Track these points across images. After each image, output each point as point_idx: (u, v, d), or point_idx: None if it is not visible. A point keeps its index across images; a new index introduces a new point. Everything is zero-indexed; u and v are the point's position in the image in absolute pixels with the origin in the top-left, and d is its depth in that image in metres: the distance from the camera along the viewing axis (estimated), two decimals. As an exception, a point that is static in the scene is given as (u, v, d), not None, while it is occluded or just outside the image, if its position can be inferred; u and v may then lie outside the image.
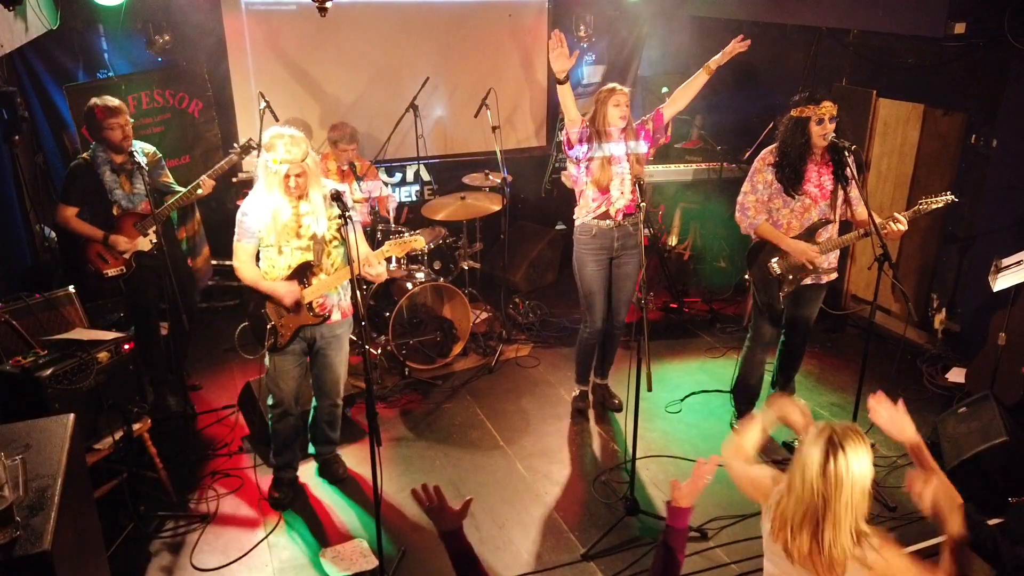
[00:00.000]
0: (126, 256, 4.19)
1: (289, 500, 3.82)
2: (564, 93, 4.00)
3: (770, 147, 3.97)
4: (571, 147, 4.10)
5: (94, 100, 4.02)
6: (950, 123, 5.10)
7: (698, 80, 4.07)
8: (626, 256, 4.25)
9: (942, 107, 5.11)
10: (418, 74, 5.80)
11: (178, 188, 4.33)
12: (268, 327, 3.51)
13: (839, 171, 3.88)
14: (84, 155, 4.12)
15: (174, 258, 4.27)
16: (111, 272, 4.18)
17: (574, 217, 4.30)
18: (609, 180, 4.05)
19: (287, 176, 3.27)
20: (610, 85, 4.07)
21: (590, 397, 4.70)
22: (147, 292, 4.28)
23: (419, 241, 3.64)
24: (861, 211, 3.95)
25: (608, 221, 4.13)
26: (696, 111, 6.70)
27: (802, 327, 4.24)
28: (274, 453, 3.83)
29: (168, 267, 3.99)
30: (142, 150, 4.21)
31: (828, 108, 3.74)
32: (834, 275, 4.11)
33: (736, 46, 3.99)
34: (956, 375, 4.79)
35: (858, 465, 1.93)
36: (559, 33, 3.86)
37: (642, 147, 4.12)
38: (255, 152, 4.47)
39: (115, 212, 4.13)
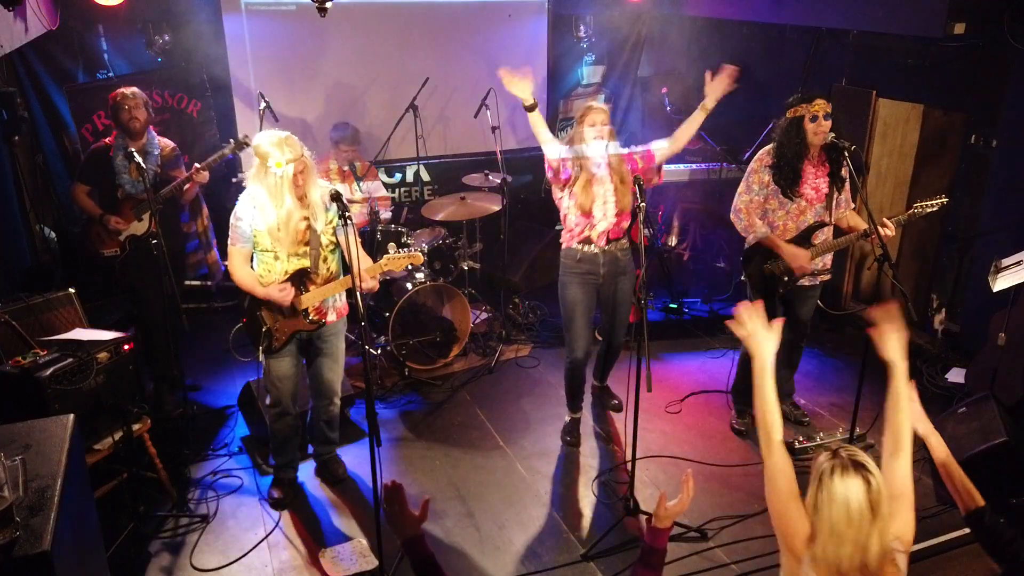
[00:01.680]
0: (120, 238, 4.30)
1: (289, 500, 3.82)
2: (534, 121, 3.89)
3: (766, 148, 3.99)
4: (555, 175, 3.91)
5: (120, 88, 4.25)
6: (950, 123, 5.10)
7: (696, 120, 3.90)
8: (613, 282, 4.07)
9: (942, 107, 5.11)
10: (418, 74, 5.81)
11: None
12: (263, 330, 3.51)
13: (835, 173, 3.90)
14: (107, 139, 4.29)
15: (173, 252, 4.29)
16: (107, 252, 4.34)
17: (561, 240, 4.14)
18: (592, 202, 3.88)
19: (295, 175, 3.27)
20: (587, 103, 3.96)
21: (580, 431, 4.45)
22: (144, 278, 4.31)
23: (417, 257, 3.62)
24: (848, 217, 4.00)
25: (592, 246, 3.97)
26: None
27: (798, 327, 4.25)
28: (273, 453, 3.83)
29: (168, 266, 3.99)
30: (160, 143, 4.35)
31: (821, 105, 3.76)
32: (828, 276, 4.15)
33: (726, 79, 3.85)
34: (956, 375, 4.79)
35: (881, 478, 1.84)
36: (505, 70, 3.78)
37: (614, 147, 3.91)
38: (249, 149, 4.48)
39: (119, 195, 4.28)
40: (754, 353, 2.22)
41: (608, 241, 3.98)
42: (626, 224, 3.97)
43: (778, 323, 2.25)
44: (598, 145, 3.82)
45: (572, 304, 4.08)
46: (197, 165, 4.28)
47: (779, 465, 2.08)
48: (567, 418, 4.49)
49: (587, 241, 3.97)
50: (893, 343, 2.21)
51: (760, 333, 2.23)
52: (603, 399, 4.74)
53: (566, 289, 4.09)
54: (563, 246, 4.12)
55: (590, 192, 3.87)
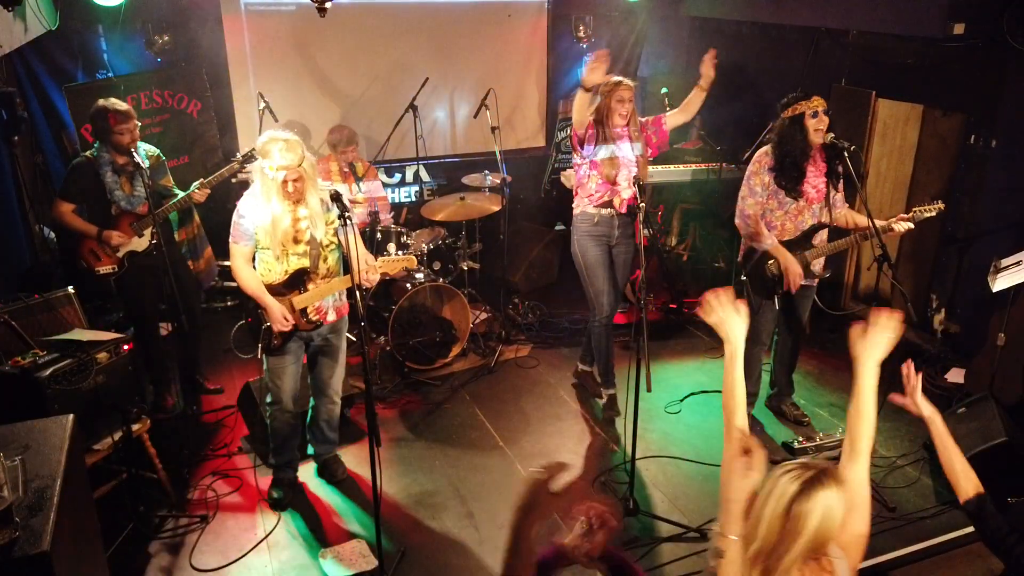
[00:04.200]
0: (119, 255, 4.19)
1: (288, 501, 3.82)
2: (583, 98, 4.01)
3: (763, 149, 3.98)
4: (581, 145, 4.17)
5: (103, 103, 4.00)
6: (949, 123, 5.10)
7: (696, 98, 4.21)
8: (622, 244, 4.34)
9: (941, 107, 5.11)
10: (418, 74, 5.81)
11: (177, 191, 4.33)
12: (263, 328, 3.52)
13: (832, 172, 3.91)
14: (88, 153, 4.12)
15: (173, 259, 4.26)
16: (102, 270, 4.17)
17: (573, 206, 4.34)
18: (617, 172, 4.12)
19: (285, 182, 3.27)
20: (616, 78, 4.11)
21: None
22: (142, 292, 4.28)
23: (411, 260, 3.67)
24: (848, 215, 4.03)
25: (610, 209, 4.21)
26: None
27: (796, 326, 4.27)
28: (272, 452, 3.83)
29: (168, 268, 3.98)
30: (145, 152, 4.21)
31: (819, 101, 3.80)
32: (826, 274, 4.18)
33: (709, 61, 4.14)
34: (956, 375, 4.79)
35: (829, 511, 1.72)
36: (605, 53, 3.88)
37: (638, 148, 4.21)
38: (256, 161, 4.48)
39: (113, 212, 4.13)
40: (726, 338, 2.22)
41: (627, 207, 4.20)
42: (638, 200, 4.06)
43: (741, 304, 2.25)
44: (622, 120, 4.12)
45: (594, 263, 4.28)
46: (199, 184, 4.17)
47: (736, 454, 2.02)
48: (605, 396, 4.60)
49: (607, 205, 4.20)
50: (874, 346, 2.16)
51: (731, 318, 2.23)
52: (587, 385, 4.83)
53: (586, 251, 4.29)
54: (577, 211, 4.31)
55: (616, 162, 4.12)
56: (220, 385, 4.85)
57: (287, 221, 3.36)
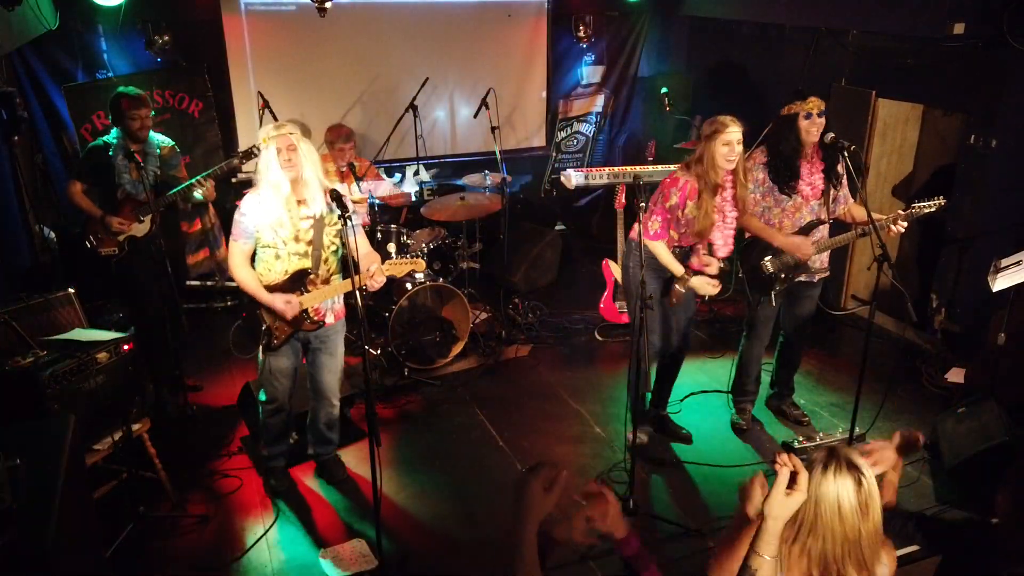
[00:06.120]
0: (120, 239, 4.28)
1: (285, 487, 3.85)
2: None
3: (759, 148, 3.98)
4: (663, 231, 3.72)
5: (121, 89, 4.22)
6: (950, 123, 5.10)
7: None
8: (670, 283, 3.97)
9: (942, 107, 5.11)
10: (418, 74, 5.81)
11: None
12: (262, 328, 3.52)
13: (831, 169, 3.91)
14: (105, 138, 4.27)
15: (172, 252, 4.30)
16: (104, 251, 4.29)
17: (638, 236, 3.85)
18: (710, 226, 3.71)
19: (278, 150, 3.30)
20: (721, 118, 3.64)
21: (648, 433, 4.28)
22: (142, 278, 4.32)
23: (420, 264, 3.67)
24: (852, 210, 4.01)
25: (680, 254, 3.88)
26: (695, 111, 6.71)
27: (798, 325, 4.25)
28: (265, 444, 3.85)
29: (166, 265, 4.00)
30: (159, 143, 4.34)
31: (815, 103, 3.77)
32: (826, 273, 4.15)
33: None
34: (956, 375, 4.78)
35: (874, 481, 1.85)
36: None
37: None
38: (257, 158, 4.49)
39: (119, 195, 4.26)
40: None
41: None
42: (640, 200, 3.77)
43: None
44: (729, 165, 3.63)
45: (660, 298, 3.88)
46: (201, 179, 4.24)
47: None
48: (645, 437, 4.18)
49: (682, 252, 3.88)
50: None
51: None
52: (671, 431, 4.36)
53: (650, 284, 3.66)
54: (644, 241, 3.80)
55: (711, 216, 3.67)
56: (201, 383, 4.87)
57: (291, 200, 3.37)
